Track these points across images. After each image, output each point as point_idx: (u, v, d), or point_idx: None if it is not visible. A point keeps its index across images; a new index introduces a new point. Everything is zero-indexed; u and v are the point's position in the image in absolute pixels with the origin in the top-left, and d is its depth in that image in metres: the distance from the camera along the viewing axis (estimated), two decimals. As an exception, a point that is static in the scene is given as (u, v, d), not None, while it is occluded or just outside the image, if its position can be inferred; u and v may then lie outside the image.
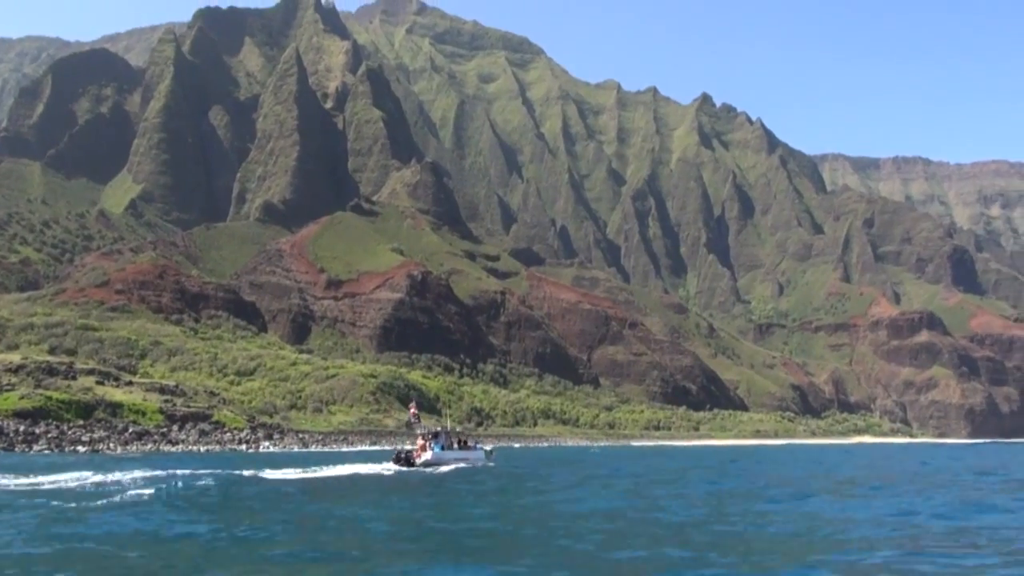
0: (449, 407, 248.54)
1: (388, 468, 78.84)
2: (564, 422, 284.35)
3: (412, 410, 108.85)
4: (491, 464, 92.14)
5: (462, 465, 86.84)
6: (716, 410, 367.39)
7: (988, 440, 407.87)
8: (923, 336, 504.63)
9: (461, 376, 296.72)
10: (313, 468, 75.34)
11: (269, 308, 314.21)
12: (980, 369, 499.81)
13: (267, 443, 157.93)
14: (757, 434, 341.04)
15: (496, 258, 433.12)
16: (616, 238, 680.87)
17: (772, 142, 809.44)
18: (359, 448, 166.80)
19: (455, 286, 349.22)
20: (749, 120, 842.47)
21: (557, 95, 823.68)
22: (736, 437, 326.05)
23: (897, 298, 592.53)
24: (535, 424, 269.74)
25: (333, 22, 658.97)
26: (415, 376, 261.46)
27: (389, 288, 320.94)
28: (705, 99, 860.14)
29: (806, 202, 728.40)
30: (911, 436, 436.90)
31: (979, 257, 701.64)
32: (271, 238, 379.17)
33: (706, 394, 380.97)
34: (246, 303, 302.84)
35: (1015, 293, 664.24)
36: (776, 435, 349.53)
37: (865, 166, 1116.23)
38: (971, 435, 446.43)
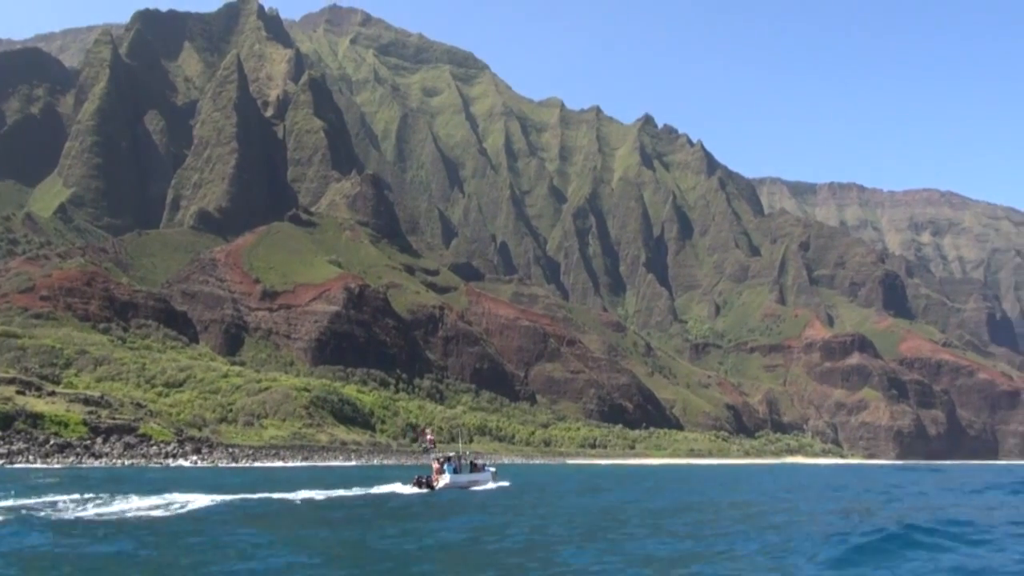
0: (383, 422, 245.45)
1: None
2: (500, 439, 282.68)
3: (429, 437, 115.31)
4: (505, 484, 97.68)
5: (478, 488, 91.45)
6: (652, 429, 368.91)
7: (912, 462, 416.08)
8: (855, 359, 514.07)
9: (397, 391, 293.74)
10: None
11: (201, 318, 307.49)
12: (909, 392, 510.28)
13: (195, 457, 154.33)
14: (691, 453, 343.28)
15: (435, 272, 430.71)
16: (556, 255, 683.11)
17: (712, 164, 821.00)
18: (319, 464, 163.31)
19: (393, 300, 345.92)
20: (690, 142, 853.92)
21: (501, 111, 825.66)
22: (671, 456, 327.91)
23: (830, 321, 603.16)
24: (471, 440, 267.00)
25: (276, 30, 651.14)
26: (350, 391, 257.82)
27: (325, 300, 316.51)
28: (647, 120, 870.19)
29: (744, 224, 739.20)
30: (841, 457, 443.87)
31: (909, 282, 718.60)
32: (205, 247, 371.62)
33: (642, 413, 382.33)
34: (177, 313, 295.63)
35: (943, 318, 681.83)
36: (710, 454, 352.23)
37: (802, 191, 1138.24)
38: (899, 457, 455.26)
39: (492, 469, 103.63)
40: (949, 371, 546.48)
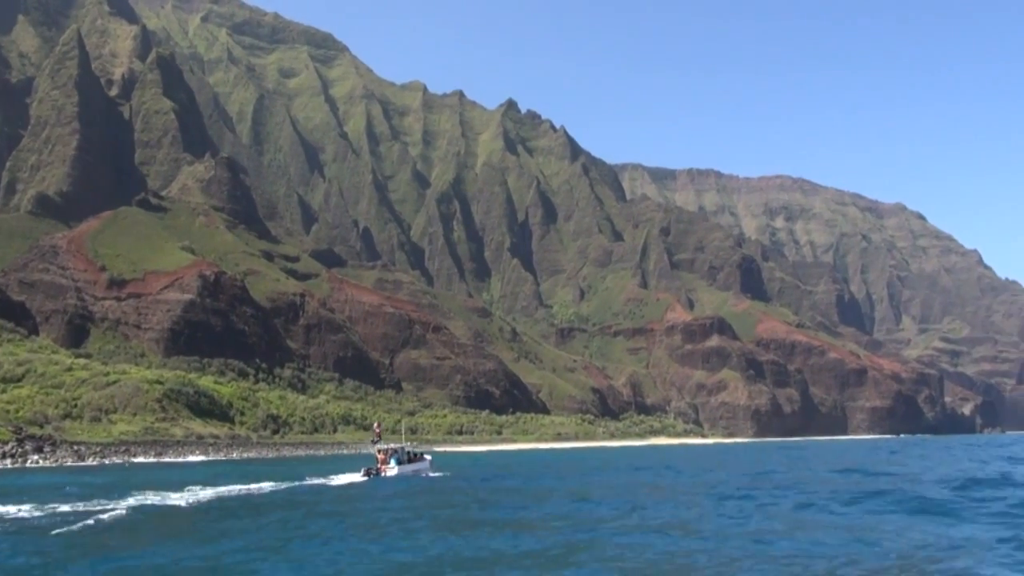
0: (243, 413, 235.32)
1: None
2: (365, 428, 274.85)
3: (376, 430, 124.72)
4: (439, 474, 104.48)
5: (421, 476, 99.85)
6: (519, 413, 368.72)
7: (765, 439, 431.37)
8: (714, 340, 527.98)
9: (256, 381, 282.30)
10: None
11: (41, 309, 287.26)
12: (765, 372, 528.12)
13: (36, 456, 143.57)
14: (558, 437, 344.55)
15: (295, 259, 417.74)
16: (420, 241, 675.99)
17: (575, 150, 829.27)
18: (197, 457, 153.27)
19: (251, 287, 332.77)
20: (553, 128, 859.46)
21: (361, 94, 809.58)
22: (538, 440, 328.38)
23: (691, 304, 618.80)
24: (335, 431, 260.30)
25: (119, 5, 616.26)
26: (206, 382, 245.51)
27: (178, 288, 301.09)
28: (511, 105, 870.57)
29: (607, 210, 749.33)
30: (703, 436, 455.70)
31: (765, 266, 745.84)
32: (45, 233, 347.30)
33: (509, 398, 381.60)
34: (14, 303, 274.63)
35: (796, 300, 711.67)
36: (577, 437, 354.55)
37: (662, 176, 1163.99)
38: (757, 435, 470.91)
39: (428, 458, 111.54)
40: (802, 351, 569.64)
